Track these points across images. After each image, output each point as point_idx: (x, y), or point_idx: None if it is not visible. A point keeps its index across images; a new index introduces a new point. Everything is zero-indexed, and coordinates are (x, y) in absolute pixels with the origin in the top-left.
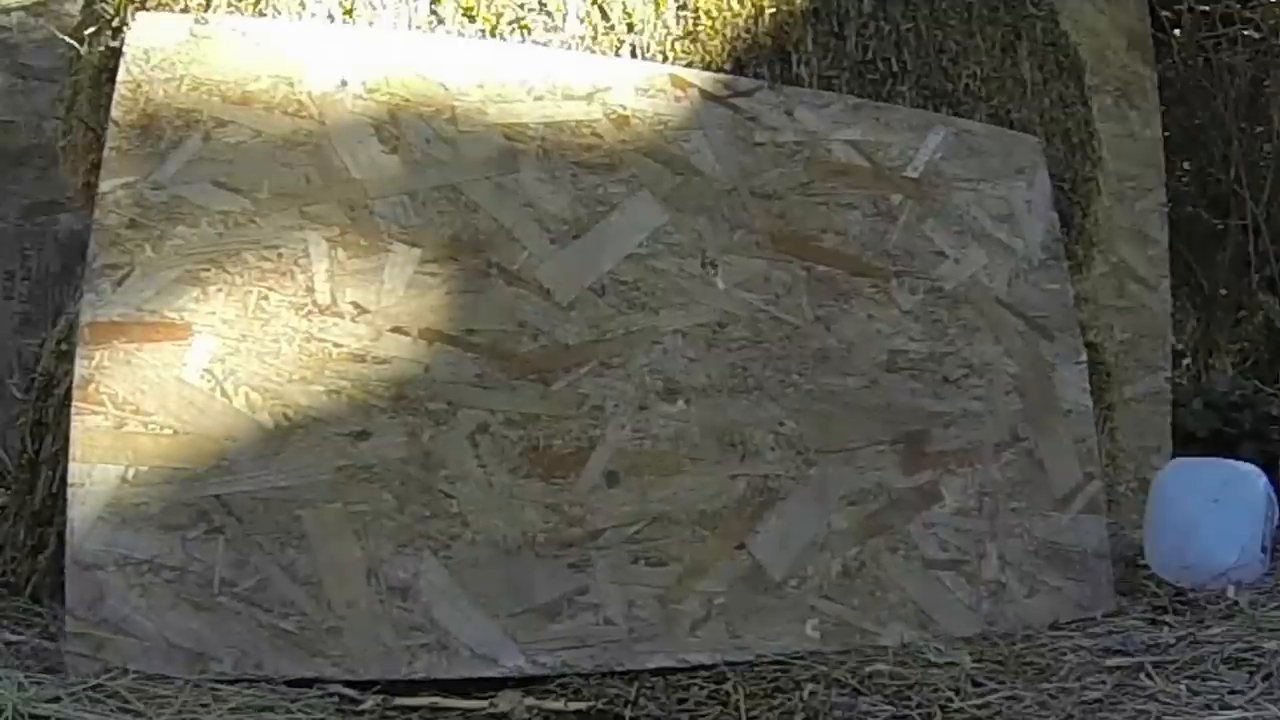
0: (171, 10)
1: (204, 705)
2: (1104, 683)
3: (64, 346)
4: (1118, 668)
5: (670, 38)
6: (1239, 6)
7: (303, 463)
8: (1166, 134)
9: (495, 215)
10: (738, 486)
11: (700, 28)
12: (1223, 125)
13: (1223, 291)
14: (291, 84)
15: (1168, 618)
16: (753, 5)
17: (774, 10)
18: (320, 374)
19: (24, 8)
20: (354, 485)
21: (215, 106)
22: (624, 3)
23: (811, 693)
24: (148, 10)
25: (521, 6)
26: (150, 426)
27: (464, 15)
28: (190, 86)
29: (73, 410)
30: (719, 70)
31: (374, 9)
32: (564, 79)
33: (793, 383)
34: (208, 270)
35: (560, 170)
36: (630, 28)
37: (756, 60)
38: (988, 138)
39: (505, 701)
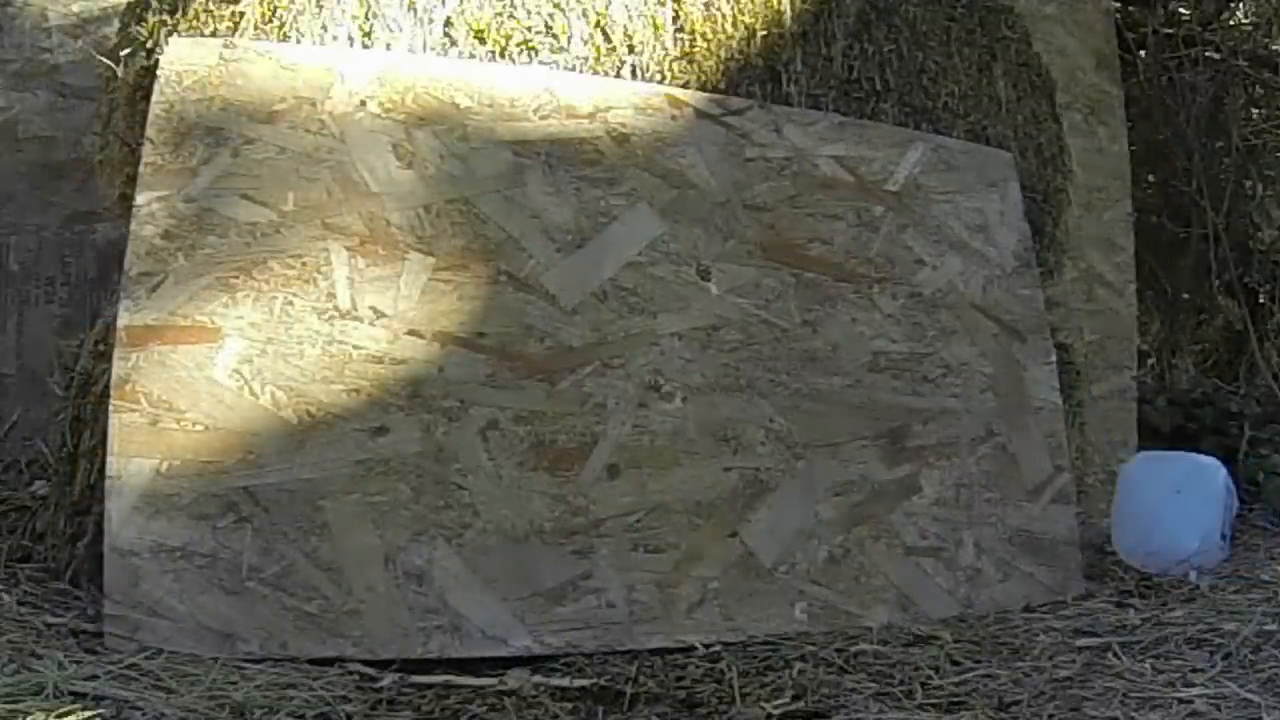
0: (202, 35)
1: (232, 683)
2: (1074, 662)
3: (101, 347)
4: (1087, 648)
5: (668, 58)
6: (1200, 29)
7: (325, 457)
8: (1132, 148)
9: (504, 226)
10: (731, 479)
11: (696, 49)
12: (1185, 140)
13: (1185, 296)
14: (314, 104)
15: (1133, 601)
16: (745, 28)
17: (764, 33)
18: (341, 374)
19: (63, 29)
20: (373, 478)
21: (243, 125)
22: (625, 26)
23: (800, 671)
24: (180, 34)
25: (529, 29)
26: (183, 423)
27: (475, 38)
28: (220, 106)
29: (110, 407)
30: (714, 88)
31: (391, 32)
32: (568, 99)
33: (782, 382)
34: (236, 277)
35: (565, 184)
36: (630, 49)
37: (749, 79)
38: (963, 153)
39: (514, 679)
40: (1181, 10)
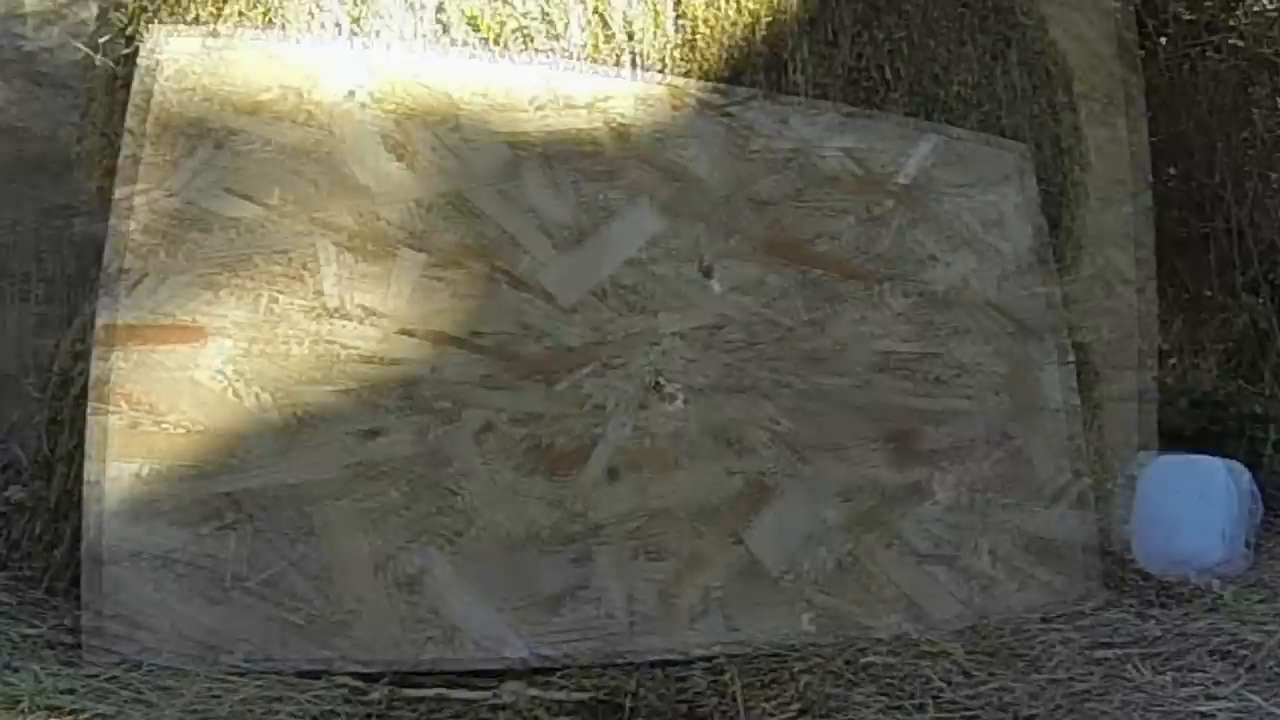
0: (185, 22)
1: (215, 697)
2: (1092, 674)
3: (79, 347)
4: (1105, 659)
5: (669, 46)
6: (1223, 15)
7: (312, 460)
8: (1153, 140)
9: (500, 222)
10: (734, 482)
11: (698, 37)
12: (1208, 131)
13: (1207, 293)
14: (301, 94)
15: (1154, 611)
16: (749, 15)
17: (769, 20)
18: (330, 374)
19: (39, 14)
20: (363, 482)
21: (227, 116)
22: (624, 12)
23: (807, 683)
24: (161, 22)
25: (525, 16)
26: (164, 426)
27: (468, 25)
28: (203, 97)
29: (89, 410)
30: (716, 78)
31: (381, 20)
32: (565, 90)
33: (787, 382)
34: (220, 275)
35: (562, 178)
36: (630, 37)
37: (753, 68)
38: (976, 145)
39: (508, 693)
40: None
